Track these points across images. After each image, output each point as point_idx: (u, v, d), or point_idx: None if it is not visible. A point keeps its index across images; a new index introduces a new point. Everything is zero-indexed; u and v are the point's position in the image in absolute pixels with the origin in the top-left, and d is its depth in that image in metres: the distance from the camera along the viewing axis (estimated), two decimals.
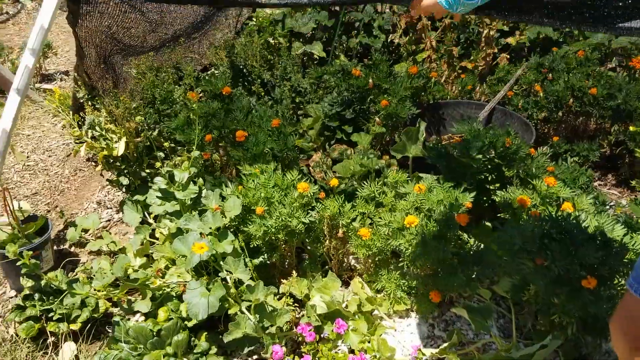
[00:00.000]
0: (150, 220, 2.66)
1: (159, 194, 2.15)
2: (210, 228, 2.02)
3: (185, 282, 2.02)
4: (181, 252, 1.95)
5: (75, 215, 3.05)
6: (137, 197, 2.64)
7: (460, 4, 1.34)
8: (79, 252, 2.75)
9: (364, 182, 2.77)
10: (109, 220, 2.97)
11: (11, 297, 2.47)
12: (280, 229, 1.99)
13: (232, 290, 1.97)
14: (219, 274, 1.99)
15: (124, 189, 2.67)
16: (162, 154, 2.63)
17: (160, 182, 2.10)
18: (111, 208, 3.06)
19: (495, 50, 3.55)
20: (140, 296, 2.05)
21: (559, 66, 3.23)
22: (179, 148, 2.90)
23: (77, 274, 2.58)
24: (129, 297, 2.07)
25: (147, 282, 1.99)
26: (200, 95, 2.94)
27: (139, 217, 2.63)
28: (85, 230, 2.81)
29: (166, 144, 2.85)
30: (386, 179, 2.64)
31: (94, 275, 2.46)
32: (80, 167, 3.50)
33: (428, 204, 2.03)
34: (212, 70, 3.88)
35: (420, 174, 2.51)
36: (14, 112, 1.83)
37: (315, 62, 4.38)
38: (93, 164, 3.51)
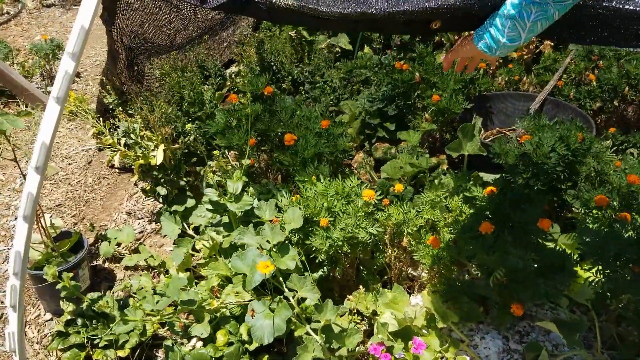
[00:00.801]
0: (190, 232, 2.51)
1: (210, 207, 2.00)
2: (269, 242, 1.87)
3: (245, 302, 1.87)
4: (240, 270, 1.80)
5: (104, 228, 2.90)
6: (176, 207, 2.49)
7: (500, 47, 1.28)
8: (113, 268, 2.60)
9: (417, 184, 2.63)
10: (141, 232, 2.82)
11: (47, 321, 2.32)
12: (345, 241, 1.84)
13: (297, 309, 1.82)
14: (283, 293, 1.84)
15: (160, 199, 2.52)
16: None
17: (211, 193, 1.95)
18: (142, 218, 2.91)
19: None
20: (193, 318, 1.90)
21: (608, 53, 3.07)
22: (215, 153, 2.75)
23: (114, 293, 2.44)
24: (185, 321, 1.93)
25: (204, 304, 1.84)
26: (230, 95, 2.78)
27: (178, 229, 2.48)
28: (119, 244, 2.66)
29: (201, 149, 2.71)
30: (441, 179, 2.50)
31: (135, 294, 2.33)
32: (103, 174, 3.35)
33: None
34: (238, 67, 3.72)
35: (480, 174, 2.36)
36: (54, 123, 1.67)
37: (338, 55, 4.21)
38: (117, 171, 3.36)
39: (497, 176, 2.43)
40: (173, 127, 2.52)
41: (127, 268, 2.57)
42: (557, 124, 2.22)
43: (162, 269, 2.50)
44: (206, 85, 3.18)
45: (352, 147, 2.99)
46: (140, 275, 2.42)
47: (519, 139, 2.20)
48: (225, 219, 2.14)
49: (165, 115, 2.24)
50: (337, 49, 4.16)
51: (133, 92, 2.50)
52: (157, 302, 1.85)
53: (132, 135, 2.33)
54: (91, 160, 3.50)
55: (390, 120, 2.92)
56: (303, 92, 3.23)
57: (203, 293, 1.91)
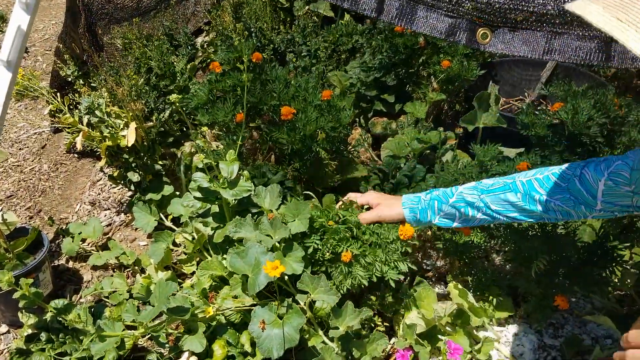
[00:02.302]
0: (168, 224, 2.20)
1: (199, 194, 1.69)
2: (270, 236, 1.59)
3: (246, 307, 1.59)
4: (240, 270, 1.52)
5: (65, 221, 2.56)
6: (151, 195, 2.18)
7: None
8: (79, 268, 2.27)
9: (424, 162, 2.38)
10: (109, 224, 2.49)
11: (3, 334, 1.99)
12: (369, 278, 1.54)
13: (309, 314, 1.55)
14: (290, 295, 1.57)
15: (132, 187, 2.19)
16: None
17: (201, 179, 1.65)
18: (109, 209, 2.58)
19: None
20: (184, 328, 1.62)
21: None
22: (192, 132, 2.43)
23: (83, 298, 2.12)
24: (174, 331, 1.63)
25: (197, 312, 1.55)
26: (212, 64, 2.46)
27: (154, 220, 2.16)
28: (84, 240, 2.33)
29: (174, 128, 2.39)
30: (455, 155, 2.25)
31: (107, 298, 2.02)
32: (60, 160, 2.99)
33: None
34: (209, 36, 3.38)
35: (501, 148, 2.12)
36: (4, 94, 1.35)
37: (316, 23, 3.90)
38: (76, 156, 3.00)
39: (520, 150, 2.21)
40: (144, 102, 2.19)
41: (95, 268, 2.25)
42: (588, 89, 1.99)
43: (136, 268, 2.19)
44: (176, 56, 2.84)
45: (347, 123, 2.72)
46: (112, 275, 2.11)
47: (548, 107, 1.96)
48: (215, 208, 1.84)
49: (136, 88, 1.92)
50: (315, 17, 3.85)
51: (96, 61, 2.15)
52: (138, 311, 1.55)
53: (97, 112, 1.99)
54: (45, 145, 3.12)
55: (388, 92, 2.65)
56: (293, 60, 2.93)
57: (195, 298, 1.62)
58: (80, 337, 1.63)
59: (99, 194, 2.68)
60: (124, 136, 2.00)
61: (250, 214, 1.67)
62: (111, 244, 2.21)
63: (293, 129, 1.94)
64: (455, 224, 1.40)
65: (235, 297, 1.61)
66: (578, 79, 2.67)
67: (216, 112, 2.01)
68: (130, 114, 2.01)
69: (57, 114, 2.09)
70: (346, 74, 2.88)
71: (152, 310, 1.45)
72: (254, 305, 1.58)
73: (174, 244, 2.18)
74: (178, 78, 2.62)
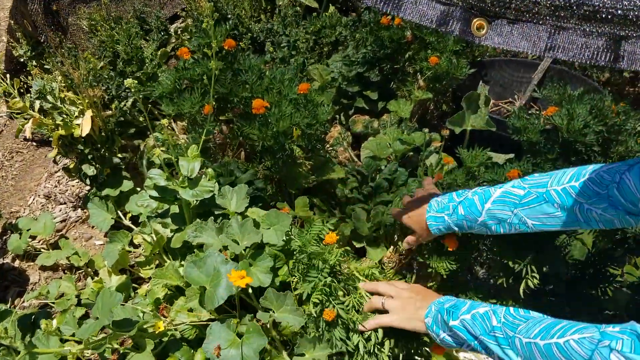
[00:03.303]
0: (127, 222, 2.03)
1: (155, 193, 1.52)
2: (237, 242, 1.43)
3: (202, 322, 1.44)
4: (196, 281, 1.36)
5: (16, 215, 2.37)
6: (108, 191, 2.00)
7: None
8: (26, 268, 2.09)
9: (406, 165, 2.24)
10: (64, 220, 2.31)
11: None
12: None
13: (273, 333, 1.40)
14: (252, 311, 1.42)
15: (88, 181, 2.01)
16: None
17: (157, 176, 1.48)
18: (65, 203, 2.40)
19: None
20: (133, 344, 1.45)
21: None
22: (163, 122, 2.26)
23: (25, 301, 1.94)
24: (118, 347, 1.47)
25: (146, 326, 1.39)
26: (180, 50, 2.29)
27: (111, 218, 1.99)
28: (34, 237, 2.15)
29: (139, 119, 2.22)
30: (440, 159, 2.11)
31: (54, 304, 1.84)
32: (17, 148, 2.79)
33: None
34: (185, 22, 3.20)
35: (489, 153, 1.99)
36: None
37: (297, 13, 3.74)
38: (34, 144, 2.81)
39: (509, 156, 2.08)
40: (105, 88, 2.01)
41: (44, 268, 2.07)
42: (584, 94, 1.86)
43: (90, 270, 2.02)
44: (146, 41, 2.66)
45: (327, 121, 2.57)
46: (61, 278, 1.94)
47: (540, 111, 1.84)
48: (175, 208, 1.68)
49: (94, 71, 1.74)
50: (298, 7, 3.69)
51: (52, 41, 1.97)
52: (79, 324, 1.39)
53: (50, 97, 1.82)
54: (1, 131, 2.92)
55: (371, 88, 2.50)
56: (271, 50, 2.76)
57: (145, 309, 1.45)
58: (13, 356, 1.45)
59: (56, 186, 2.49)
60: (78, 125, 1.82)
61: (212, 217, 1.52)
62: (62, 242, 2.03)
63: (265, 124, 1.78)
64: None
65: (191, 310, 1.45)
66: (571, 82, 2.55)
67: (182, 103, 1.84)
68: (87, 100, 1.83)
69: (7, 99, 1.91)
70: (328, 68, 2.73)
71: (93, 324, 1.28)
72: (212, 320, 1.43)
73: (133, 245, 2.01)
74: (147, 64, 2.44)
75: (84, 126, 1.81)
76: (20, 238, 2.06)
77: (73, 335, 1.39)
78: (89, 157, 1.95)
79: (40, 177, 2.58)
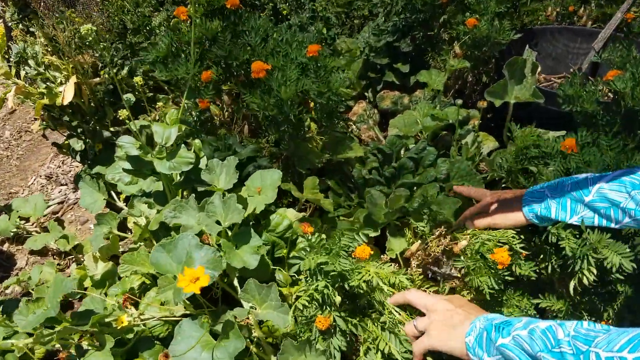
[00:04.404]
0: (120, 204, 1.84)
1: (128, 165, 1.32)
2: (219, 223, 1.21)
3: (174, 318, 1.22)
4: (165, 268, 1.14)
5: (15, 196, 2.23)
6: (99, 169, 1.82)
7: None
8: (15, 252, 1.94)
9: (439, 144, 1.96)
10: (62, 202, 2.15)
11: None
12: None
13: (258, 333, 1.17)
14: (236, 303, 1.20)
15: (78, 157, 1.84)
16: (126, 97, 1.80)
17: (128, 144, 1.27)
18: (66, 184, 2.24)
19: None
20: (96, 340, 1.25)
21: None
22: (161, 96, 2.06)
23: (6, 289, 1.78)
24: (86, 342, 1.27)
25: (108, 320, 1.19)
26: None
27: (103, 199, 1.81)
28: (26, 219, 2.00)
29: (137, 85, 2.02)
30: (477, 138, 1.83)
31: (33, 290, 1.67)
32: (26, 127, 2.66)
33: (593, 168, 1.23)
34: None
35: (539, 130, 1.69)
36: None
37: None
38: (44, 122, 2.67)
39: (560, 133, 1.77)
40: (99, 54, 1.82)
41: (33, 252, 1.91)
42: None
43: (80, 256, 1.84)
44: (159, 11, 2.47)
45: (350, 95, 2.32)
46: (43, 264, 1.77)
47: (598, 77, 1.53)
48: (160, 185, 1.47)
49: (84, 35, 1.54)
50: None
51: (36, 2, 1.80)
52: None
53: (31, 62, 1.64)
54: (15, 110, 2.81)
55: (402, 60, 2.24)
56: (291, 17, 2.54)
57: (110, 302, 1.25)
58: None
59: (59, 167, 2.34)
60: (61, 92, 1.64)
61: (193, 195, 1.30)
62: (51, 225, 1.87)
63: (268, 92, 1.55)
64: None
65: (164, 303, 1.24)
66: (638, 49, 2.21)
67: (177, 68, 1.63)
68: (71, 65, 1.65)
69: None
70: (356, 41, 2.48)
71: (38, 317, 1.08)
72: (186, 315, 1.21)
73: (128, 229, 1.83)
74: (156, 34, 2.25)
75: (66, 94, 1.62)
76: (8, 220, 1.90)
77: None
78: (78, 130, 1.77)
79: (46, 157, 2.44)
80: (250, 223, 1.40)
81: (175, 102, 2.14)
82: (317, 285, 1.04)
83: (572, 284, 1.14)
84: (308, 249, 1.11)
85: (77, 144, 1.79)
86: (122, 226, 1.85)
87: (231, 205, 1.19)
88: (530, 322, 0.85)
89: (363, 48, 2.31)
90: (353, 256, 1.09)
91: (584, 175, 1.11)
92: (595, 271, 1.10)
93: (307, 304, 1.03)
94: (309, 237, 1.11)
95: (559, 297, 1.25)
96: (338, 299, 1.03)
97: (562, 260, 1.19)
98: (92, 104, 1.75)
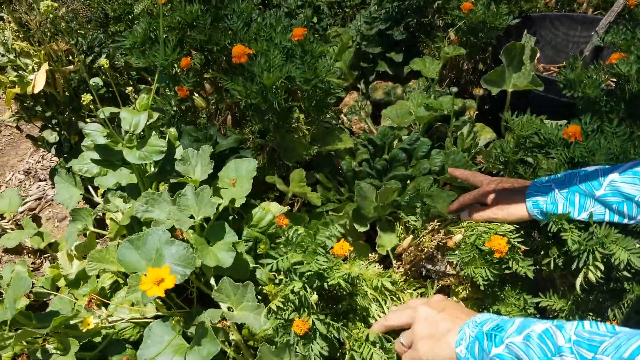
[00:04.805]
0: (98, 199, 1.76)
1: (96, 155, 1.23)
2: (193, 218, 1.12)
3: (145, 320, 1.13)
4: (133, 267, 1.05)
5: None
6: (74, 162, 1.73)
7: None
8: None
9: (433, 136, 1.88)
10: (40, 198, 2.06)
11: None
12: None
13: (236, 336, 1.08)
14: (212, 303, 1.11)
15: (53, 150, 1.75)
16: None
17: (96, 132, 1.18)
18: (45, 180, 2.15)
19: None
20: (62, 343, 1.16)
21: None
22: (143, 87, 1.98)
23: None
24: (53, 346, 1.18)
25: (73, 322, 1.10)
26: None
27: (79, 194, 1.72)
28: (1, 215, 1.91)
29: (104, 68, 1.94)
30: (472, 128, 1.75)
31: (4, 292, 1.58)
32: (7, 122, 2.57)
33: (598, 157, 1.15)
34: None
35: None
36: None
37: None
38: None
39: (561, 122, 1.69)
40: (75, 42, 1.73)
41: (7, 251, 1.82)
42: None
43: (56, 254, 1.75)
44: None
45: (341, 86, 2.23)
46: (17, 263, 1.68)
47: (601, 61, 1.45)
48: (134, 177, 1.38)
49: (47, 10, 1.45)
50: None
51: None
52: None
53: (1, 49, 1.55)
54: None
55: (396, 49, 2.15)
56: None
57: (81, 302, 1.16)
58: None
59: (39, 162, 2.25)
60: (32, 81, 1.55)
61: (167, 187, 1.21)
62: (24, 221, 1.78)
63: (250, 78, 1.46)
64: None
65: (135, 303, 1.15)
66: None
67: (154, 54, 1.55)
68: (44, 52, 1.56)
69: None
70: (348, 30, 2.39)
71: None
72: (159, 317, 1.12)
73: (105, 225, 1.74)
74: (137, 23, 2.17)
75: (37, 82, 1.53)
76: None
77: None
78: (53, 121, 1.68)
79: (25, 152, 2.35)
80: (230, 218, 1.32)
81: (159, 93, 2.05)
82: (294, 287, 0.95)
83: (578, 281, 1.05)
84: (283, 246, 1.02)
85: (52, 136, 1.70)
86: (102, 223, 1.76)
87: (204, 198, 1.10)
88: (524, 324, 0.76)
89: (355, 36, 2.22)
90: (331, 253, 1.01)
91: (593, 167, 1.02)
92: (602, 267, 1.01)
93: (282, 305, 0.95)
94: (286, 231, 1.03)
95: (562, 295, 1.16)
96: (315, 297, 0.94)
97: (566, 257, 1.10)
98: (66, 94, 1.66)
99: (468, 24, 1.80)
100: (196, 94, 1.76)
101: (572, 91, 1.41)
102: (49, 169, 2.19)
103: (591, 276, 1.02)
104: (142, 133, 1.22)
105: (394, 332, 1.02)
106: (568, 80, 1.41)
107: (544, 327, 0.72)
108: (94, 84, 1.54)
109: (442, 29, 1.98)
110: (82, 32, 1.84)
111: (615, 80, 1.38)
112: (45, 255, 1.79)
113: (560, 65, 2.27)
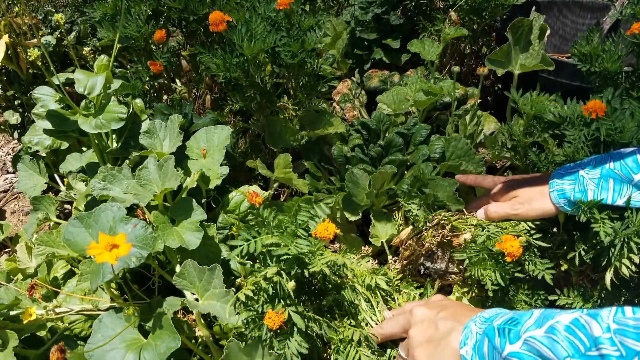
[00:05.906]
0: (64, 188, 1.61)
1: (48, 125, 1.09)
2: (154, 194, 0.98)
3: (99, 311, 0.98)
4: (82, 249, 0.91)
5: None
6: (25, 136, 1.59)
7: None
8: None
9: (432, 124, 1.74)
10: (6, 190, 1.92)
11: None
12: None
13: (204, 331, 0.93)
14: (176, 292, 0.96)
15: (15, 134, 1.61)
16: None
17: (46, 96, 1.04)
18: (14, 172, 2.01)
19: None
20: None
21: None
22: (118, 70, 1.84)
23: None
24: None
25: (13, 312, 0.95)
26: None
27: (44, 182, 1.58)
28: None
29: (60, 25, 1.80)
30: (476, 113, 1.61)
31: None
32: None
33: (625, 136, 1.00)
34: None
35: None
36: None
37: None
38: None
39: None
40: (42, 17, 1.60)
41: None
42: None
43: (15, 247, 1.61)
44: None
45: (334, 74, 2.10)
46: None
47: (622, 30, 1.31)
48: (94, 156, 1.24)
49: None
50: None
51: None
52: None
53: None
54: None
55: (393, 35, 2.02)
56: None
57: (23, 291, 1.02)
58: None
59: (9, 153, 2.11)
60: None
61: (127, 161, 1.07)
62: None
63: (231, 50, 1.33)
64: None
65: (87, 292, 1.00)
66: None
67: (125, 26, 1.41)
68: (4, 24, 1.43)
69: None
70: (343, 17, 2.27)
71: None
72: (112, 308, 0.97)
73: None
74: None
75: None
76: None
77: None
78: (15, 102, 1.54)
79: None
80: (204, 201, 1.17)
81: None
82: (267, 272, 0.80)
83: (608, 276, 0.91)
84: (258, 228, 0.87)
85: (13, 117, 1.56)
86: (69, 212, 1.62)
87: (169, 170, 0.96)
88: (544, 316, 0.61)
89: (349, 22, 2.10)
90: (314, 236, 0.86)
91: (630, 149, 0.88)
92: (637, 260, 0.87)
93: (251, 294, 0.80)
94: (261, 211, 0.88)
95: (584, 292, 1.01)
96: (292, 284, 0.80)
97: (595, 250, 0.95)
98: (30, 71, 1.53)
99: (471, 3, 1.67)
100: (178, 81, 1.63)
101: (589, 65, 1.27)
102: None
103: (624, 270, 0.88)
104: (103, 102, 1.08)
105: (393, 343, 0.88)
106: (583, 54, 1.28)
107: (571, 317, 0.57)
108: (45, 43, 1.41)
109: (442, 11, 1.85)
110: (53, 9, 1.71)
111: (637, 50, 1.25)
112: (6, 250, 1.64)
113: (568, 55, 2.14)
